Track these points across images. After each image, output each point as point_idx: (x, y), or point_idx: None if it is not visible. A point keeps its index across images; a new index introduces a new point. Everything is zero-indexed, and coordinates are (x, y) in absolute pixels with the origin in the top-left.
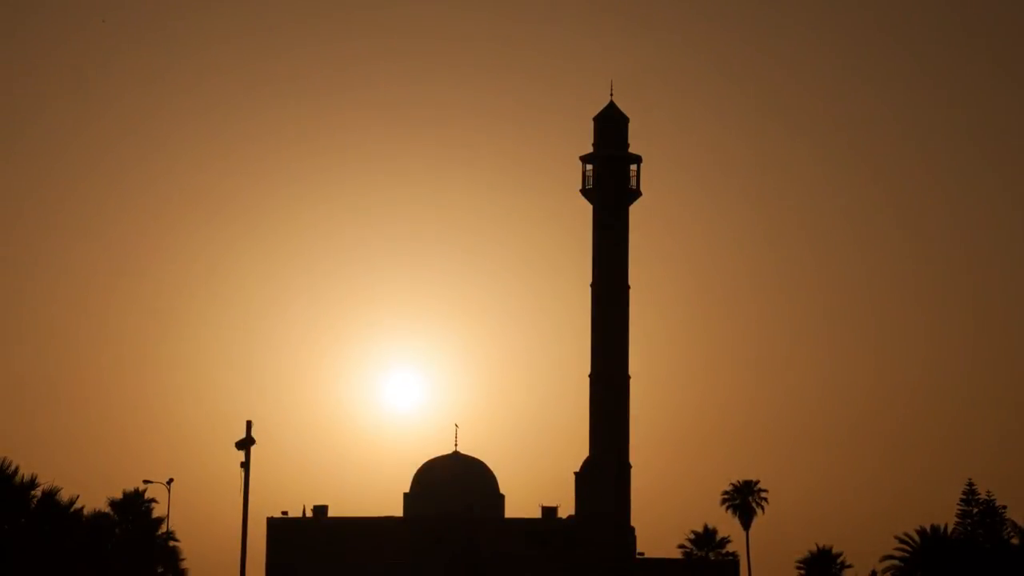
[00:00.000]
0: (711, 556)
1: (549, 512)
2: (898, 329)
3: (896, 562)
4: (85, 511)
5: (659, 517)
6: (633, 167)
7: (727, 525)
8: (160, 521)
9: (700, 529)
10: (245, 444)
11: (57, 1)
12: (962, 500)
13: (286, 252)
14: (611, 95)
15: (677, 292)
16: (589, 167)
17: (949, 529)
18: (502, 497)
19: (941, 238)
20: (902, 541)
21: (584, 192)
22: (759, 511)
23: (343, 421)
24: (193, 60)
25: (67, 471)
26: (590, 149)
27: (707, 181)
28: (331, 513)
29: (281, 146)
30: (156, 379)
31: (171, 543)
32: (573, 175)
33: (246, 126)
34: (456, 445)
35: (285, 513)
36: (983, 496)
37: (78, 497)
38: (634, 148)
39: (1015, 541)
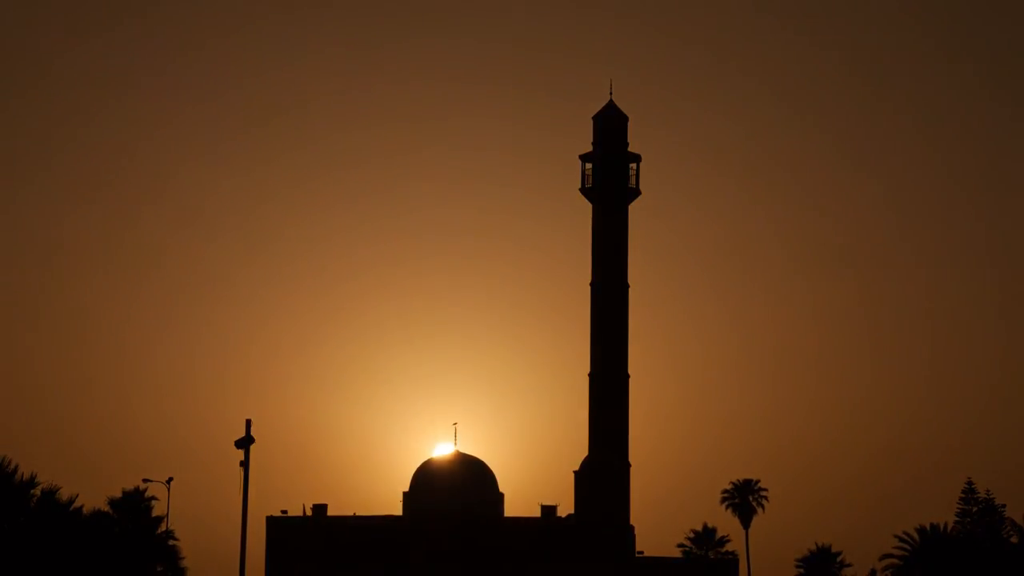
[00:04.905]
0: (711, 555)
1: (549, 511)
2: (898, 328)
3: (895, 560)
4: (85, 510)
5: (659, 516)
6: (632, 166)
7: (727, 524)
8: (160, 520)
9: (700, 528)
10: (244, 443)
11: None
12: (961, 499)
13: (285, 250)
14: (611, 94)
15: (677, 292)
16: (588, 166)
17: (948, 528)
18: (502, 496)
19: (942, 238)
20: (901, 540)
21: (584, 191)
22: (759, 510)
23: (343, 420)
24: (202, 66)
25: (67, 470)
26: (590, 148)
27: (707, 180)
28: (331, 512)
29: (279, 146)
30: (156, 378)
31: (171, 542)
32: (572, 174)
33: (249, 130)
34: (456, 444)
35: (285, 512)
36: (982, 495)
37: (78, 496)
38: (633, 147)
39: (1014, 540)
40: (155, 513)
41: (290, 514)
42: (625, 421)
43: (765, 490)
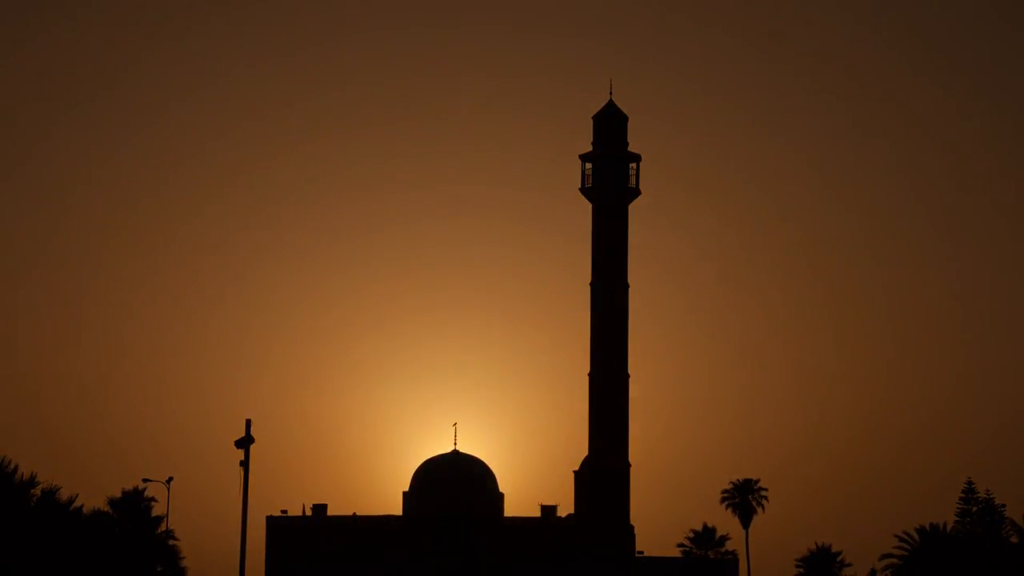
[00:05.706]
0: (711, 555)
1: (548, 511)
2: (898, 328)
3: (895, 560)
4: (84, 510)
5: (658, 516)
6: (632, 166)
7: (726, 524)
8: (159, 520)
9: (699, 528)
10: (244, 443)
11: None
12: (961, 498)
13: (286, 250)
14: (611, 94)
15: (677, 291)
16: (588, 166)
17: (948, 528)
18: (501, 496)
19: (942, 237)
20: (901, 540)
21: (583, 191)
22: (758, 510)
23: (342, 420)
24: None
25: (66, 469)
26: (589, 148)
27: (707, 180)
28: (330, 512)
29: (279, 145)
30: (156, 378)
31: (170, 542)
32: (572, 174)
33: (246, 129)
34: (456, 444)
35: (285, 512)
36: (982, 495)
37: (77, 496)
38: (633, 147)
39: (1014, 540)
40: (155, 513)
41: (290, 514)
42: (625, 421)
43: (765, 490)
